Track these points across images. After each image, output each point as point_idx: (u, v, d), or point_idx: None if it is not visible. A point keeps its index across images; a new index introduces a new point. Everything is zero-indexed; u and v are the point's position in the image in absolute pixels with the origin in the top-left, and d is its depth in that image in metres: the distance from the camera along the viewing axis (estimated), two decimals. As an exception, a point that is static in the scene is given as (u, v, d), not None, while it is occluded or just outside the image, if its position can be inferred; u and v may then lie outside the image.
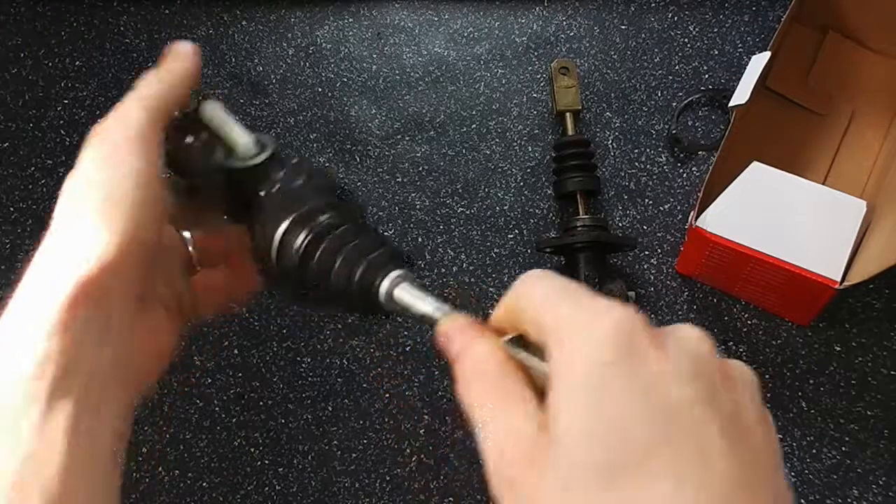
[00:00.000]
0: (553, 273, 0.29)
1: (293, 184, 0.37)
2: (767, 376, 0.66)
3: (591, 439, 0.22)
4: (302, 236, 0.35)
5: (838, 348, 0.66)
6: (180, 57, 0.40)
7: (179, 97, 0.38)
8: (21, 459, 0.28)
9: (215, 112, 0.39)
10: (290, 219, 0.36)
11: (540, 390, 0.27)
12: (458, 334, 0.30)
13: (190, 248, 0.41)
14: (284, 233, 0.35)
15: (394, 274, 0.34)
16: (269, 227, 0.36)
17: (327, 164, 0.75)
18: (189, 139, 0.38)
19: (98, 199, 0.32)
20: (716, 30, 0.77)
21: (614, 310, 0.25)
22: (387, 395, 0.68)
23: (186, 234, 0.41)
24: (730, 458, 0.22)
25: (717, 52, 0.77)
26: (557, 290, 0.27)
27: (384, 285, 0.34)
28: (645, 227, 0.71)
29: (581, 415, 0.23)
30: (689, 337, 0.25)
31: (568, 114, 0.73)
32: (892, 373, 0.65)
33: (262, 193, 0.37)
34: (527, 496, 0.23)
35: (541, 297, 0.27)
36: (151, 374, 0.35)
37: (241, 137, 0.38)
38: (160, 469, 0.66)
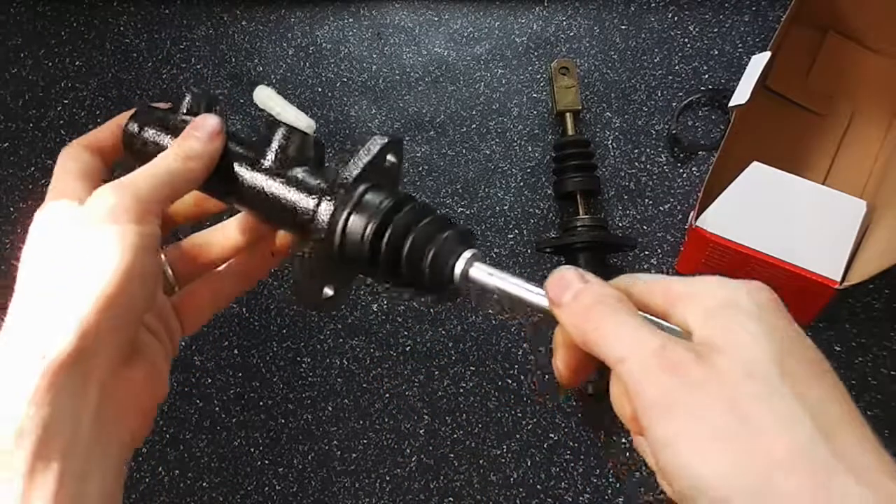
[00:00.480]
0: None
1: (346, 170, 0.36)
2: (767, 376, 0.66)
3: (761, 358, 0.26)
4: (371, 224, 0.34)
5: (838, 348, 0.66)
6: (203, 136, 0.36)
7: (194, 184, 0.36)
8: None
9: (269, 94, 0.37)
10: (351, 204, 0.35)
11: None
12: (577, 276, 0.31)
13: (168, 270, 0.40)
14: (347, 219, 0.34)
15: (467, 254, 0.34)
16: (338, 210, 0.35)
17: (327, 164, 0.75)
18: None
19: (83, 258, 0.31)
20: (716, 30, 0.77)
21: (740, 281, 0.29)
22: (387, 395, 0.68)
23: (161, 257, 0.39)
24: (842, 388, 0.27)
25: (717, 52, 0.77)
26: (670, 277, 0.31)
27: (458, 266, 0.34)
28: (645, 227, 0.71)
29: (747, 342, 0.26)
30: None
31: (568, 114, 0.73)
32: (892, 373, 0.65)
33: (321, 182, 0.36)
34: (701, 377, 0.26)
35: (655, 277, 0.30)
36: (144, 427, 0.34)
37: (301, 119, 0.37)
38: (160, 469, 0.66)
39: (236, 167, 0.37)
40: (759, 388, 0.25)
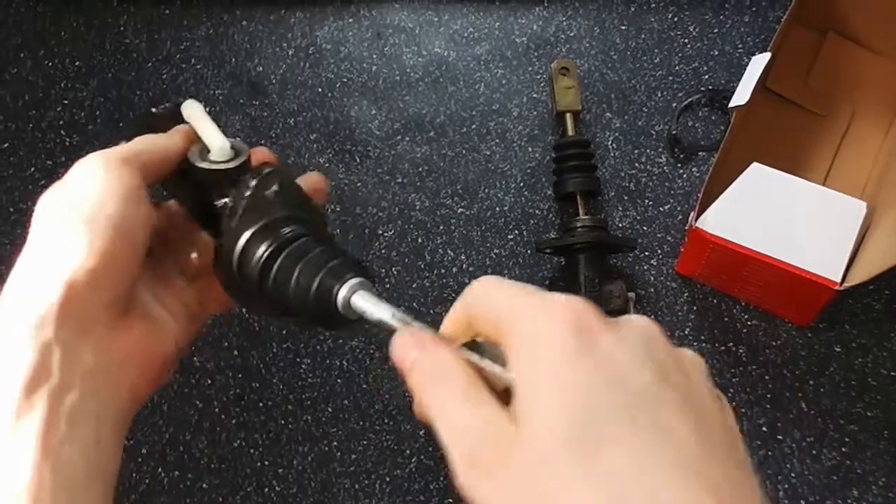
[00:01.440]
0: (502, 278, 0.29)
1: (260, 193, 0.37)
2: (767, 377, 0.66)
3: (562, 421, 0.24)
4: (263, 247, 0.35)
5: (838, 349, 0.66)
6: (181, 131, 0.40)
7: (168, 156, 0.39)
8: None
9: (194, 111, 0.39)
10: (253, 229, 0.35)
11: (498, 391, 0.28)
12: (413, 343, 0.30)
13: (193, 254, 0.41)
14: (246, 243, 0.35)
15: (352, 281, 0.34)
16: (231, 236, 0.36)
17: (327, 165, 0.75)
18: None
19: (75, 214, 0.33)
20: (716, 30, 0.77)
21: (566, 299, 0.27)
22: (386, 396, 0.68)
23: (188, 240, 0.41)
24: (686, 433, 0.24)
25: (717, 53, 0.77)
26: (510, 290, 0.28)
27: (342, 293, 0.34)
28: (645, 228, 0.71)
29: (550, 401, 0.24)
30: (638, 323, 0.27)
31: (568, 114, 0.73)
32: (892, 373, 0.65)
33: (228, 201, 0.37)
34: (507, 477, 0.24)
35: (495, 298, 0.28)
36: (144, 383, 0.35)
37: (216, 139, 0.38)
38: (160, 469, 0.66)
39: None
40: (557, 474, 0.23)
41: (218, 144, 0.38)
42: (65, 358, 0.31)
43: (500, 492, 0.24)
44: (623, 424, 0.23)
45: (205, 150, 0.39)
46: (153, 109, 0.41)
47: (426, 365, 0.29)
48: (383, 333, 0.31)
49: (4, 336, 0.31)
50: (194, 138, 0.40)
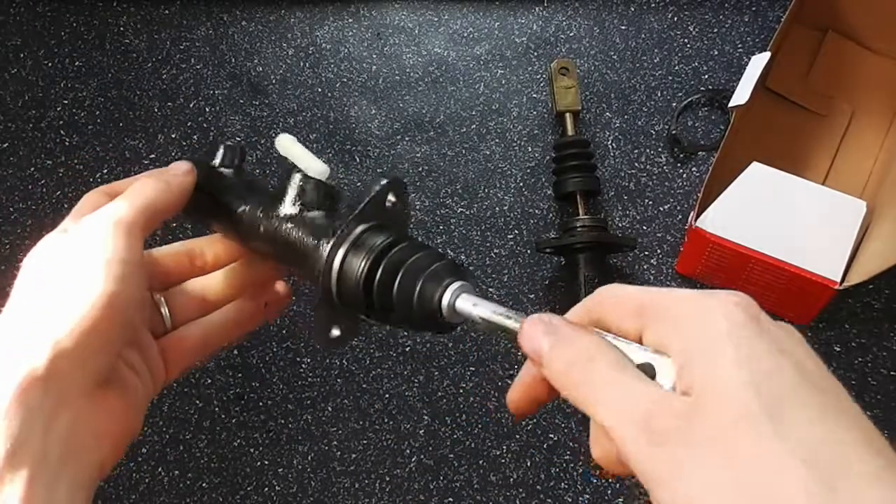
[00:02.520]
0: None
1: (343, 210, 0.37)
2: (767, 377, 0.66)
3: (747, 389, 0.24)
4: (362, 262, 0.35)
5: (838, 349, 0.66)
6: (178, 172, 0.40)
7: (169, 204, 0.38)
8: None
9: (291, 145, 0.40)
10: (347, 244, 0.35)
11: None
12: (544, 330, 0.29)
13: (163, 310, 0.41)
14: (343, 260, 0.35)
15: (454, 286, 0.33)
16: (327, 254, 0.36)
17: (327, 165, 0.75)
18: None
19: (72, 282, 0.33)
20: (716, 30, 0.77)
21: (727, 291, 0.27)
22: (387, 396, 0.68)
23: (160, 297, 0.41)
24: (858, 412, 0.25)
25: (717, 53, 0.77)
26: (644, 288, 0.29)
27: (445, 299, 0.33)
28: (645, 228, 0.71)
29: (731, 371, 0.25)
30: (790, 326, 0.28)
31: (568, 114, 0.73)
32: (892, 373, 0.65)
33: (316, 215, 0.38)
34: (690, 444, 0.25)
35: (632, 292, 0.29)
36: (113, 456, 0.35)
37: (317, 165, 0.40)
38: (160, 469, 0.66)
39: (255, 213, 0.39)
40: (749, 438, 0.24)
41: (319, 170, 0.39)
42: (47, 428, 0.31)
43: (681, 458, 0.25)
44: (804, 390, 0.24)
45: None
46: (215, 163, 0.42)
47: (571, 348, 0.28)
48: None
49: None
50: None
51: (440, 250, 0.36)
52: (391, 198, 0.38)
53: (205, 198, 0.40)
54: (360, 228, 0.36)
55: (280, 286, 0.44)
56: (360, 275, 0.35)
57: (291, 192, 0.39)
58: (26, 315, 0.33)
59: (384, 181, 0.38)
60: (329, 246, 0.36)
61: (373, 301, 0.35)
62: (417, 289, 0.33)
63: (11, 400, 0.30)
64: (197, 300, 0.42)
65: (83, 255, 0.34)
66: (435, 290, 0.33)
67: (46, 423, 0.31)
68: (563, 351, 0.28)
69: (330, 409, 0.67)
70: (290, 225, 0.38)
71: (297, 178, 0.39)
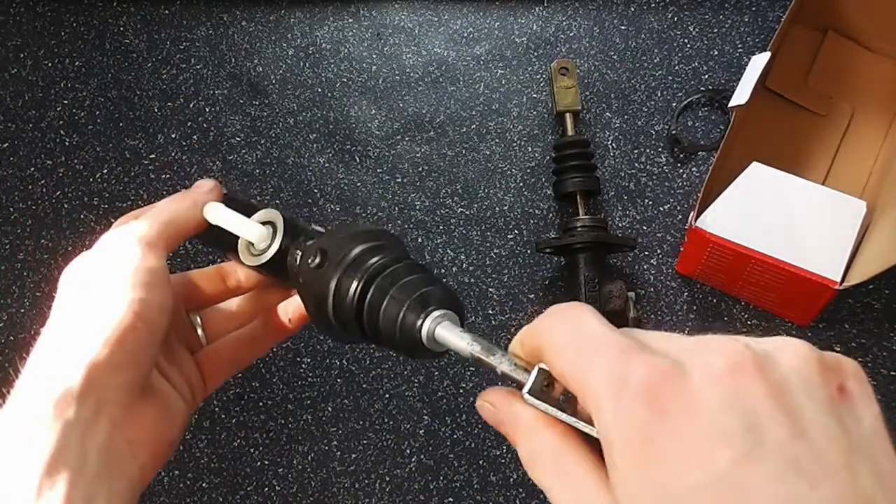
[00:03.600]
0: (578, 311, 0.26)
1: (326, 238, 0.37)
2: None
3: None
4: (354, 284, 0.35)
5: (838, 349, 0.66)
6: (203, 189, 0.42)
7: (191, 219, 0.40)
8: None
9: (216, 213, 0.40)
10: (341, 271, 0.36)
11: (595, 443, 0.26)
12: (491, 413, 0.29)
13: (199, 330, 0.43)
14: (337, 284, 0.36)
15: (435, 314, 0.33)
16: (319, 284, 0.36)
17: (327, 165, 0.75)
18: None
19: (100, 296, 0.34)
20: (716, 30, 0.77)
21: (644, 363, 0.23)
22: (386, 396, 0.68)
23: (196, 317, 0.43)
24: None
25: (717, 53, 0.77)
26: (583, 341, 0.25)
27: (426, 327, 0.33)
28: (645, 228, 0.71)
29: (637, 487, 0.22)
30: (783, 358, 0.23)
31: (568, 114, 0.73)
32: (892, 373, 0.65)
33: (299, 254, 0.38)
34: None
35: (566, 349, 0.25)
36: (152, 464, 0.36)
37: (252, 232, 0.39)
38: (160, 469, 0.66)
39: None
40: None
41: (256, 234, 0.39)
42: (84, 438, 0.32)
43: None
44: None
45: (248, 244, 0.41)
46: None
47: (521, 445, 0.27)
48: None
49: (26, 413, 0.32)
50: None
51: (434, 275, 0.36)
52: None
53: (216, 230, 0.41)
54: (356, 251, 0.36)
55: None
56: (353, 296, 0.35)
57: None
58: (60, 333, 0.34)
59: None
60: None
61: (363, 320, 0.35)
62: (401, 315, 0.33)
63: (49, 414, 0.31)
64: (229, 317, 0.44)
65: (108, 270, 0.35)
66: (416, 319, 0.33)
67: (84, 434, 0.32)
68: (519, 444, 0.27)
69: (330, 409, 0.67)
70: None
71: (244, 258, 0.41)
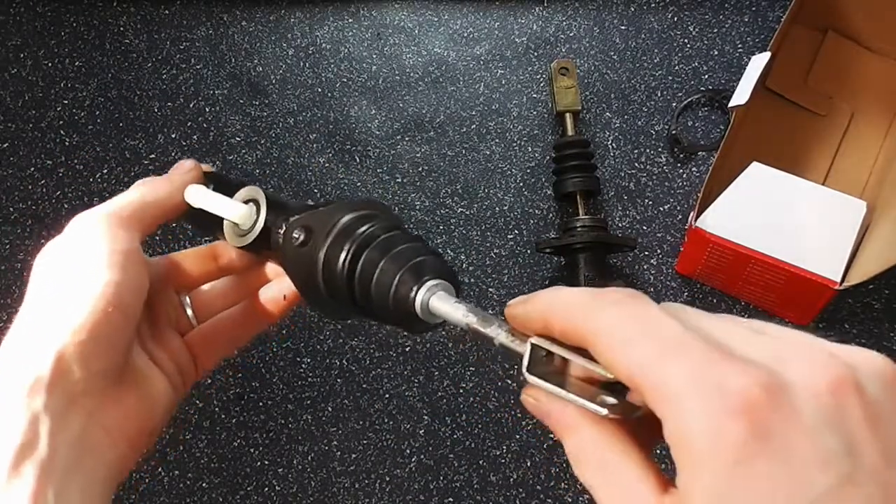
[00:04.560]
0: (643, 303, 0.24)
1: (310, 213, 0.36)
2: (767, 377, 0.66)
3: None
4: (344, 252, 0.34)
5: (838, 349, 0.66)
6: (182, 170, 0.40)
7: (169, 197, 0.39)
8: None
9: (197, 197, 0.39)
10: (328, 242, 0.34)
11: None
12: (549, 408, 0.28)
13: (188, 311, 0.41)
14: (325, 256, 0.34)
15: (429, 283, 0.32)
16: (306, 259, 0.35)
17: (327, 165, 0.75)
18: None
19: (70, 280, 0.33)
20: (716, 30, 0.77)
21: (741, 374, 0.21)
22: (386, 396, 0.68)
23: (185, 298, 0.41)
24: None
25: (717, 53, 0.77)
26: (658, 337, 0.23)
27: (420, 297, 0.31)
28: (645, 228, 0.71)
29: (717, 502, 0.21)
30: (817, 391, 0.21)
31: (568, 114, 0.73)
32: (892, 373, 0.65)
33: (282, 232, 0.36)
34: None
35: (633, 342, 0.23)
36: (132, 453, 0.35)
37: (235, 212, 0.38)
38: (160, 469, 0.66)
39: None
40: None
41: (241, 214, 0.38)
42: (53, 428, 0.31)
43: None
44: None
45: (233, 224, 0.39)
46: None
47: (568, 444, 0.27)
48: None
49: None
50: (198, 177, 0.40)
51: (429, 245, 0.35)
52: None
53: (199, 212, 0.40)
54: (345, 219, 0.35)
55: None
56: (343, 265, 0.33)
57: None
58: (30, 320, 0.33)
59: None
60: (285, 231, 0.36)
61: (354, 291, 0.34)
62: (394, 285, 0.32)
63: (19, 402, 0.30)
64: (220, 297, 0.42)
65: (79, 253, 0.34)
66: (411, 289, 0.32)
67: (55, 426, 0.31)
68: (567, 443, 0.27)
69: (330, 409, 0.67)
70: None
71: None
